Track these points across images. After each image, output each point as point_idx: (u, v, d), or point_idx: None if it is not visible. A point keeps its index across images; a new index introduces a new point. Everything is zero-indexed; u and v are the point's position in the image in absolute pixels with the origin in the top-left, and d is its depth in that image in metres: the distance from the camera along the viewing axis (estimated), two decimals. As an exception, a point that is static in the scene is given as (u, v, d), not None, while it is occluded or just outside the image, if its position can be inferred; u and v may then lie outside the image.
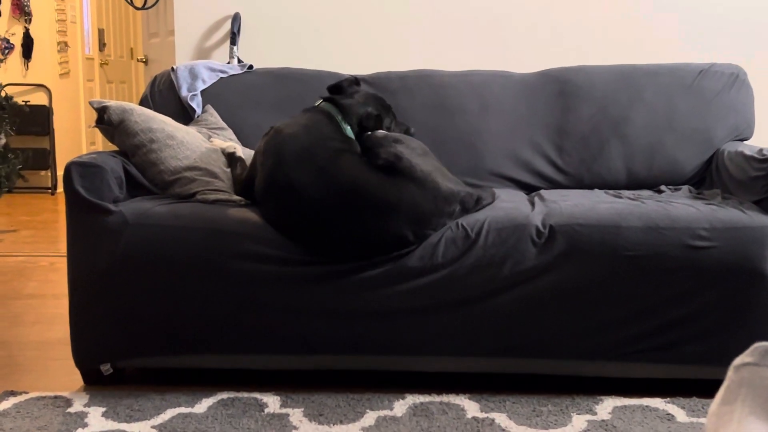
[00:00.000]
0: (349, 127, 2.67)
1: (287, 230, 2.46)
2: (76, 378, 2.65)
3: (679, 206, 2.55)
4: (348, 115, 2.69)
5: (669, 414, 2.36)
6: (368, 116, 2.69)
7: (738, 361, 0.99)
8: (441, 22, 4.12)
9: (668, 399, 2.46)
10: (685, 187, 3.00)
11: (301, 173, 2.44)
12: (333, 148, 2.52)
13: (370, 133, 2.67)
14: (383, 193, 2.42)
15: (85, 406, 2.43)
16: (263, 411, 2.38)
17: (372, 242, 2.43)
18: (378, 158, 2.51)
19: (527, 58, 3.95)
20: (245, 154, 2.93)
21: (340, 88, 2.81)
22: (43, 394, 2.52)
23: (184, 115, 3.22)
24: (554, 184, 3.18)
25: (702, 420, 2.31)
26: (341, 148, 2.54)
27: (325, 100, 2.75)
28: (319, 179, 2.42)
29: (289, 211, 2.45)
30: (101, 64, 8.93)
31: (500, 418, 2.33)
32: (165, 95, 3.29)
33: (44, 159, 7.58)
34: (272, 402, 2.44)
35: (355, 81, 2.91)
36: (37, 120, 7.48)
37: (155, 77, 3.38)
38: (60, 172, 7.49)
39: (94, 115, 2.81)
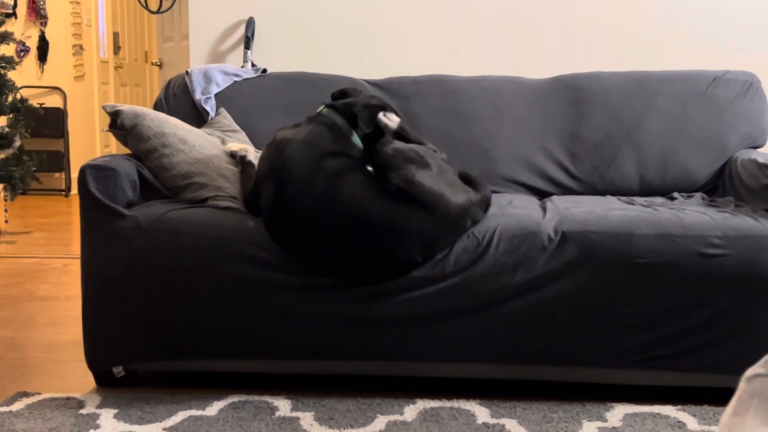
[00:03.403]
0: (355, 133, 2.60)
1: (294, 254, 2.46)
2: (89, 380, 2.66)
3: (691, 214, 2.54)
4: (348, 116, 2.59)
5: (680, 422, 2.35)
6: (367, 107, 2.58)
7: (750, 372, 0.99)
8: (454, 27, 4.12)
9: (679, 407, 2.45)
10: (698, 195, 2.99)
11: (301, 206, 2.40)
12: (333, 170, 2.45)
13: (378, 146, 2.56)
14: (390, 223, 2.38)
15: (97, 407, 2.44)
16: (274, 414, 2.39)
17: (380, 268, 2.42)
18: (389, 183, 2.45)
19: (540, 64, 3.95)
20: (258, 157, 2.94)
21: (345, 93, 2.75)
22: (56, 395, 2.54)
23: (198, 118, 3.23)
24: (567, 191, 3.18)
25: (713, 428, 2.30)
26: (342, 169, 2.47)
27: (327, 106, 2.66)
28: (321, 212, 2.39)
29: (293, 239, 2.44)
30: (116, 68, 8.98)
31: (510, 424, 2.33)
32: (179, 98, 3.31)
33: (58, 161, 7.63)
34: (283, 405, 2.45)
35: (359, 90, 2.80)
36: (52, 122, 7.53)
37: (170, 80, 3.40)
38: (74, 175, 7.54)
39: (108, 118, 2.83)
